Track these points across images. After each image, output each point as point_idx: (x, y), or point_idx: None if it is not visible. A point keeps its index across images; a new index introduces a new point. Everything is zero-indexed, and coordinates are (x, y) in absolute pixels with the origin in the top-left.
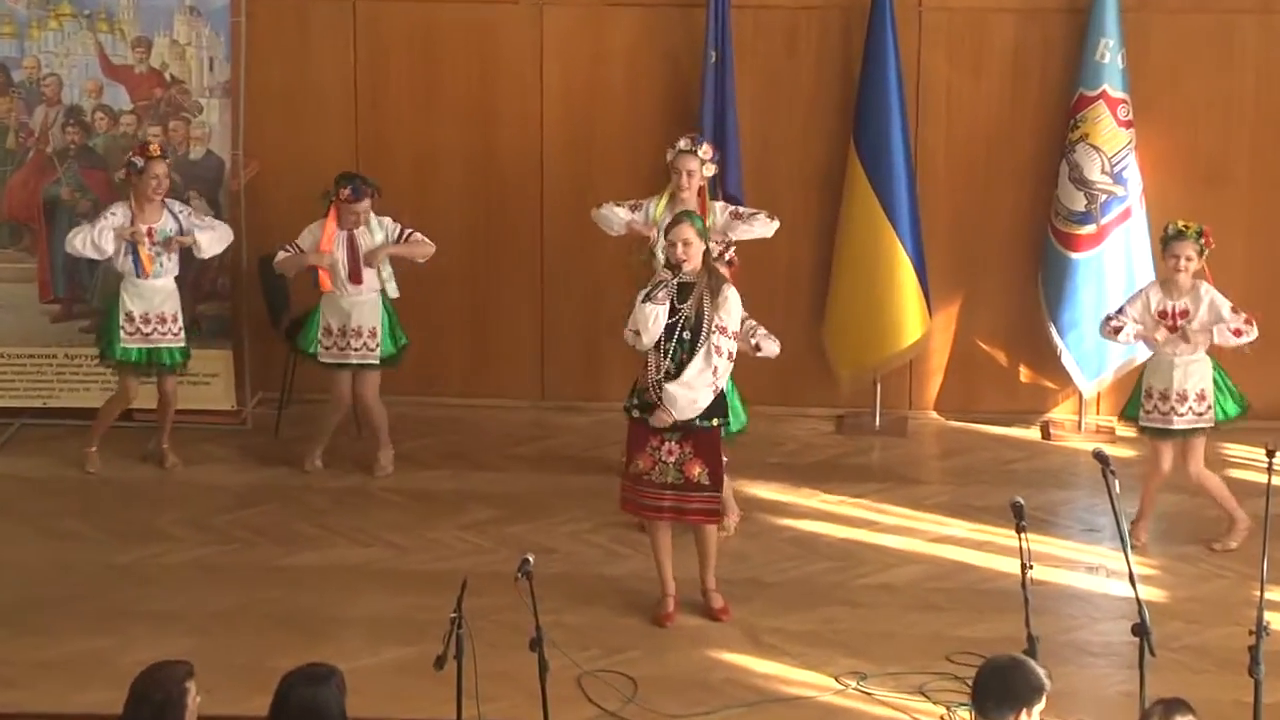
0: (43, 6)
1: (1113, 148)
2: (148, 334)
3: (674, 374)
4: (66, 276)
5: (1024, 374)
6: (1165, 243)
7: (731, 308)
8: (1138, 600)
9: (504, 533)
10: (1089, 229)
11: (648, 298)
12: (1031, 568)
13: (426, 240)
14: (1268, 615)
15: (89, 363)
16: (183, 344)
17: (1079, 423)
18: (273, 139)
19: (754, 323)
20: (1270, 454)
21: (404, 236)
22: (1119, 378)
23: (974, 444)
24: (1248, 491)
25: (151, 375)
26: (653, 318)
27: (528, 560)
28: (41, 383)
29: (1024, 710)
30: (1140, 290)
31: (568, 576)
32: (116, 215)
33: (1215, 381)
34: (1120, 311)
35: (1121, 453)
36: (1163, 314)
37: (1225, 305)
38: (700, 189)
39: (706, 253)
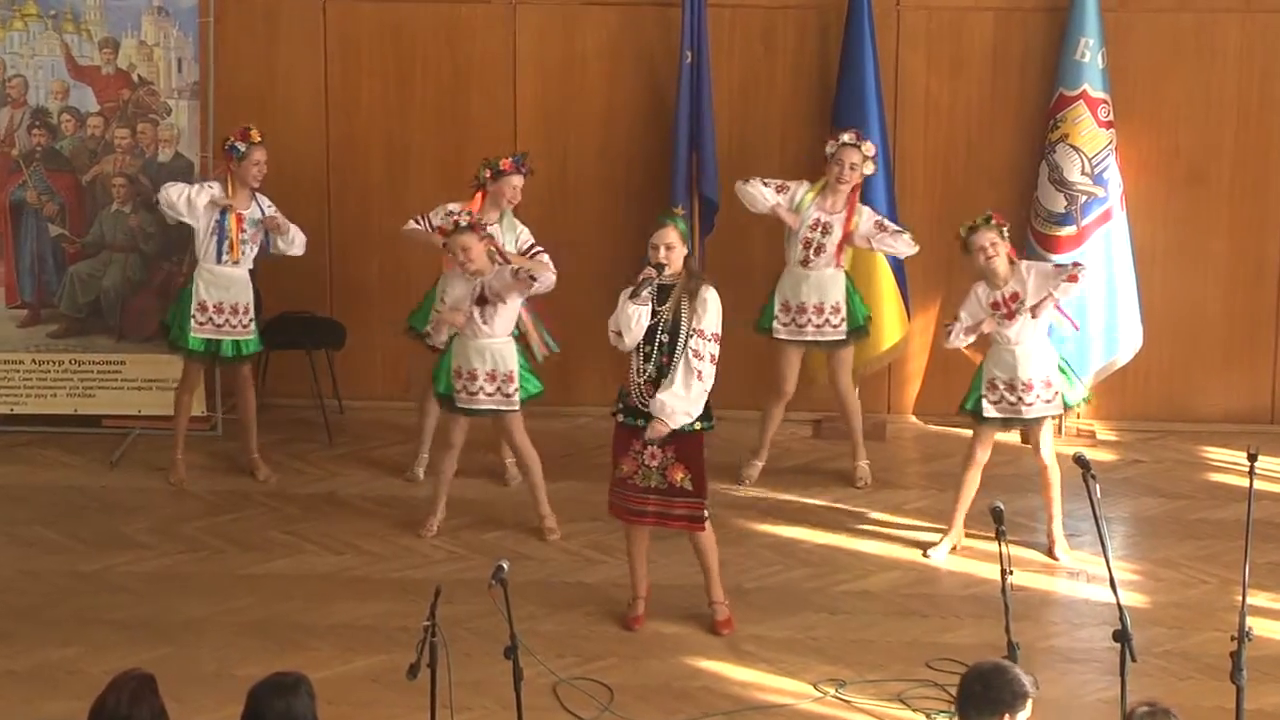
0: (7, 7)
1: (1093, 148)
2: (219, 324)
3: (655, 377)
4: (33, 280)
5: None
6: (965, 246)
7: (710, 310)
8: (1119, 605)
9: (477, 539)
10: (1069, 231)
11: (632, 296)
12: (1011, 573)
13: (550, 266)
14: (1250, 620)
15: (57, 368)
16: (253, 334)
17: (1059, 427)
18: None
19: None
20: (1252, 458)
21: (532, 253)
22: (1099, 382)
23: (954, 449)
24: (1231, 496)
25: (213, 363)
26: (635, 318)
27: (502, 567)
28: (8, 389)
29: (1007, 716)
30: (969, 292)
31: (543, 583)
32: (214, 188)
33: (1061, 369)
34: (956, 319)
35: (1102, 456)
36: (995, 305)
37: (1047, 266)
38: (855, 187)
39: (689, 256)
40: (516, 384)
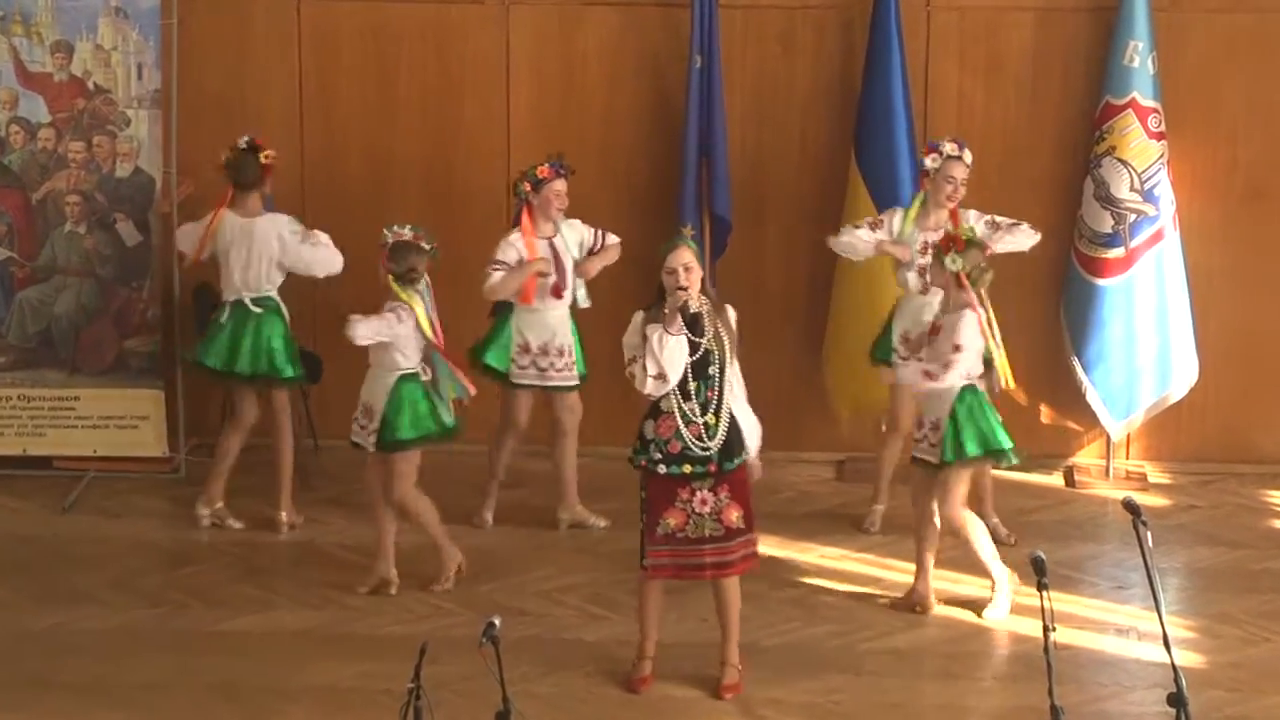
0: None
1: (1143, 162)
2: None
3: (700, 416)
4: None
5: (1045, 414)
6: (941, 251)
7: (734, 332)
8: (1173, 666)
9: (468, 593)
10: (1117, 253)
11: (660, 325)
12: (1054, 630)
13: (616, 239)
14: None
15: (4, 404)
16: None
17: (1106, 468)
18: (209, 154)
19: None
20: None
21: (600, 239)
22: (1151, 419)
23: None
24: None
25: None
26: (680, 353)
27: (493, 623)
28: None
29: None
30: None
31: (538, 641)
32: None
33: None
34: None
35: (1154, 501)
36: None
37: (955, 335)
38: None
39: (704, 279)
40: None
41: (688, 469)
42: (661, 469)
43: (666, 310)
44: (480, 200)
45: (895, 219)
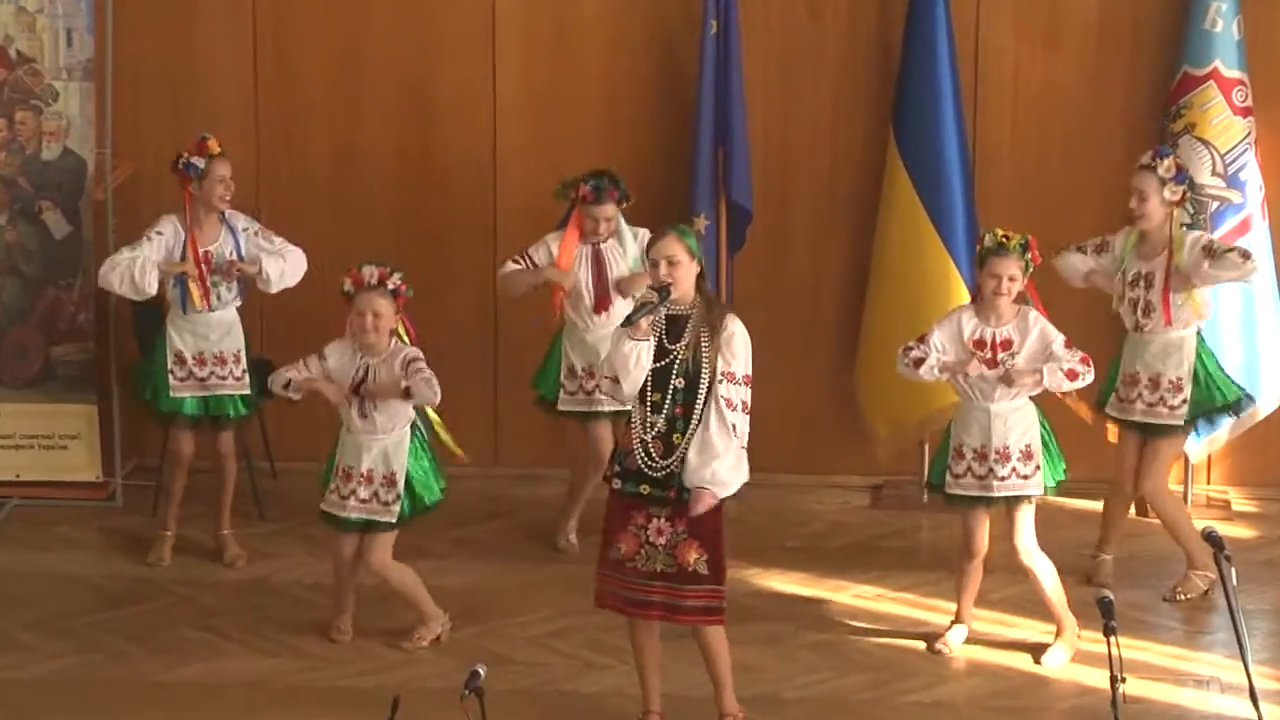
0: None
1: (1227, 142)
2: (203, 379)
3: (665, 433)
4: None
5: (1112, 433)
6: (982, 258)
7: (740, 348)
8: None
9: (447, 638)
10: None
11: (626, 323)
12: (1124, 680)
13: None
14: None
15: None
16: (247, 390)
17: (1185, 495)
18: (149, 134)
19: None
20: None
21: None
22: (1235, 438)
23: (1049, 521)
24: None
25: (202, 429)
26: (634, 357)
27: (478, 673)
28: None
29: None
30: (952, 313)
31: (529, 693)
32: (164, 233)
33: (1043, 439)
34: (923, 340)
35: (1239, 532)
36: (980, 343)
37: (1059, 339)
38: (1165, 218)
39: (701, 277)
40: (399, 490)
41: (645, 489)
42: (617, 483)
43: (633, 308)
44: (461, 194)
45: (1118, 241)
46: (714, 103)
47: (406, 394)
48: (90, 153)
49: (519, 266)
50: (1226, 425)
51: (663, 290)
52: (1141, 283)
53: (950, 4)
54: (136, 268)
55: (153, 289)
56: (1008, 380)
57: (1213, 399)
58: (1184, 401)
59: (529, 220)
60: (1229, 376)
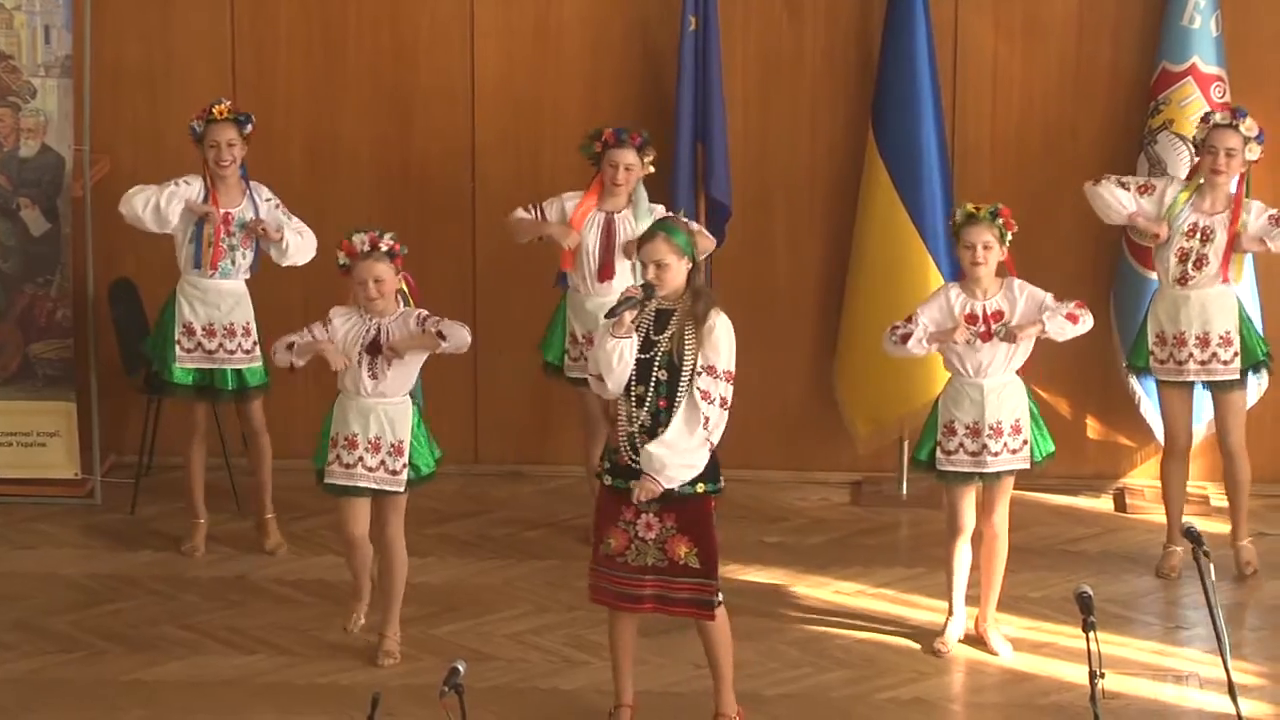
0: None
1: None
2: (211, 350)
3: (651, 426)
4: None
5: (1092, 428)
6: (956, 233)
7: (723, 342)
8: (1239, 717)
9: (427, 635)
10: None
11: (610, 315)
12: (1103, 676)
13: (705, 233)
14: None
15: None
16: (259, 362)
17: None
18: (127, 131)
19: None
20: None
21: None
22: (1213, 433)
23: (1029, 518)
24: None
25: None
26: (616, 354)
27: (457, 669)
28: None
29: None
30: (936, 291)
31: (508, 690)
32: (191, 185)
33: (1030, 412)
34: (909, 320)
35: (1217, 528)
36: (971, 318)
37: (1048, 295)
38: (1240, 178)
39: (693, 272)
40: (406, 459)
41: (632, 484)
42: (607, 479)
43: (616, 301)
44: (440, 189)
45: (1169, 189)
46: (693, 99)
47: (439, 338)
48: (68, 149)
49: (528, 215)
50: (1205, 421)
51: (647, 286)
52: (1198, 235)
53: (929, 0)
54: (163, 195)
55: (175, 219)
56: (1010, 337)
57: (1255, 353)
58: (1236, 354)
59: (507, 213)
60: (1259, 334)
